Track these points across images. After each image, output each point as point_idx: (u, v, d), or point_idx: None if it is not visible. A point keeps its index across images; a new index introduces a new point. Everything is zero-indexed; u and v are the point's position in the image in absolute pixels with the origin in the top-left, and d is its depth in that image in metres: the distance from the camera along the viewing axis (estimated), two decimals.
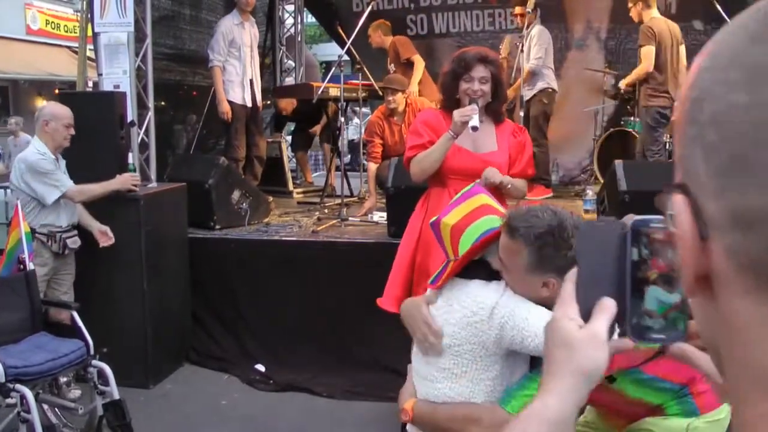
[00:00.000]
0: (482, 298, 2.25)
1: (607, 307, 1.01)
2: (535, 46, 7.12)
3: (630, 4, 6.89)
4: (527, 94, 7.22)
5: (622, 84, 7.02)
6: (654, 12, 6.74)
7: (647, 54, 6.58)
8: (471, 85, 3.73)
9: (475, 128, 3.64)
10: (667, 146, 7.60)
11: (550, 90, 7.31)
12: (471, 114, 3.63)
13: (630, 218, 0.95)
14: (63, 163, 4.98)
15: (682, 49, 6.85)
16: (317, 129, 8.99)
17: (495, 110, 3.87)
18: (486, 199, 2.43)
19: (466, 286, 2.32)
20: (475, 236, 2.32)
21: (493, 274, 2.31)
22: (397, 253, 4.05)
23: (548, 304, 2.23)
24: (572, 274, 1.05)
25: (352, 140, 13.87)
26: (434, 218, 2.49)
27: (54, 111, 4.95)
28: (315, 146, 10.28)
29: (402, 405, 2.39)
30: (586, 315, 1.03)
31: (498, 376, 2.27)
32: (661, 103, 6.70)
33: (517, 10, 7.36)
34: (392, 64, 7.51)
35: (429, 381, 2.36)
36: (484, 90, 3.75)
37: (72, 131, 4.89)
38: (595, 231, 1.03)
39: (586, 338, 1.02)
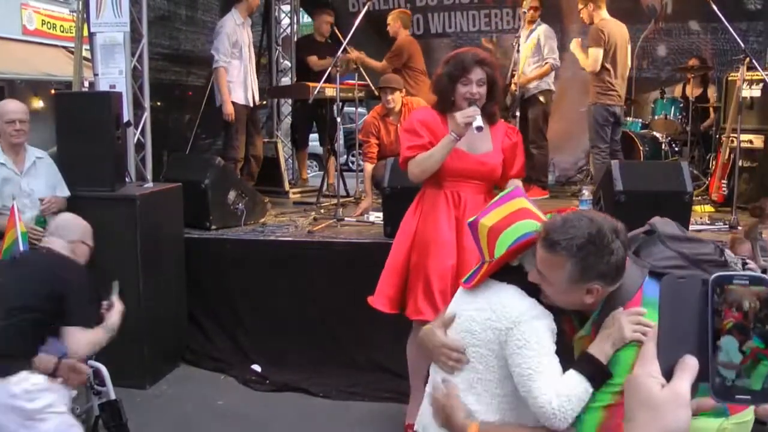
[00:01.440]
0: (511, 308, 2.24)
1: (689, 366, 0.97)
2: (548, 43, 7.19)
3: (581, 6, 6.92)
4: (528, 92, 7.25)
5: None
6: (604, 13, 6.80)
7: (594, 56, 6.66)
8: (469, 88, 3.74)
9: (480, 128, 3.66)
10: (663, 146, 7.63)
11: (548, 90, 7.33)
12: (474, 115, 3.65)
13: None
14: (30, 162, 4.86)
15: (629, 48, 6.94)
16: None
17: (490, 111, 3.88)
18: (526, 203, 2.41)
19: (501, 290, 2.31)
20: (512, 239, 2.30)
21: (531, 284, 2.29)
22: (390, 253, 4.05)
23: (590, 309, 2.23)
24: (653, 332, 1.02)
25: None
26: (472, 218, 2.48)
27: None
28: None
29: (462, 428, 2.27)
30: (668, 373, 0.99)
31: (511, 393, 2.26)
32: (609, 101, 6.76)
33: (534, 2, 7.31)
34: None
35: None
36: (482, 92, 3.77)
37: (17, 126, 4.79)
38: (675, 287, 0.99)
39: (670, 398, 0.98)
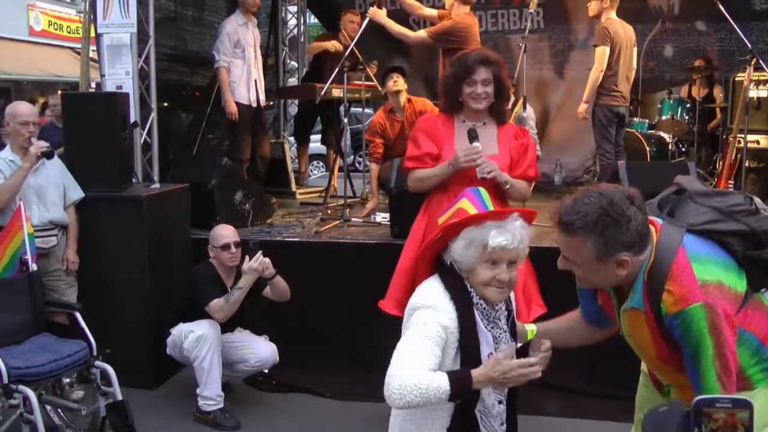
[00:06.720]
0: (417, 295, 2.35)
1: None
2: (527, 124, 6.94)
3: None
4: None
5: (584, 100, 6.78)
6: (613, 14, 6.73)
7: (601, 55, 6.63)
8: (474, 89, 3.75)
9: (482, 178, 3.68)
10: (670, 146, 7.61)
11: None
12: (475, 158, 3.67)
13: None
14: (37, 160, 4.79)
15: (635, 51, 6.88)
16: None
17: (498, 111, 3.89)
18: (464, 203, 2.52)
19: (428, 280, 2.44)
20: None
21: (447, 273, 2.40)
22: (400, 257, 4.06)
23: (626, 282, 2.24)
24: None
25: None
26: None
27: (12, 110, 4.88)
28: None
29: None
30: None
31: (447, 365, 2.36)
32: (612, 102, 6.71)
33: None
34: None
35: None
36: (488, 92, 3.76)
37: (30, 129, 4.81)
38: (658, 417, 1.00)
39: None
